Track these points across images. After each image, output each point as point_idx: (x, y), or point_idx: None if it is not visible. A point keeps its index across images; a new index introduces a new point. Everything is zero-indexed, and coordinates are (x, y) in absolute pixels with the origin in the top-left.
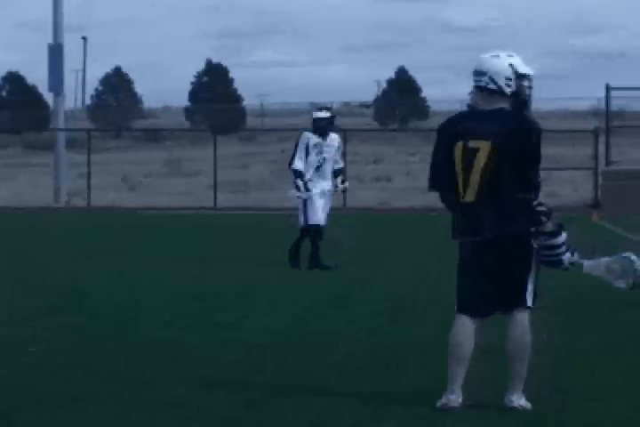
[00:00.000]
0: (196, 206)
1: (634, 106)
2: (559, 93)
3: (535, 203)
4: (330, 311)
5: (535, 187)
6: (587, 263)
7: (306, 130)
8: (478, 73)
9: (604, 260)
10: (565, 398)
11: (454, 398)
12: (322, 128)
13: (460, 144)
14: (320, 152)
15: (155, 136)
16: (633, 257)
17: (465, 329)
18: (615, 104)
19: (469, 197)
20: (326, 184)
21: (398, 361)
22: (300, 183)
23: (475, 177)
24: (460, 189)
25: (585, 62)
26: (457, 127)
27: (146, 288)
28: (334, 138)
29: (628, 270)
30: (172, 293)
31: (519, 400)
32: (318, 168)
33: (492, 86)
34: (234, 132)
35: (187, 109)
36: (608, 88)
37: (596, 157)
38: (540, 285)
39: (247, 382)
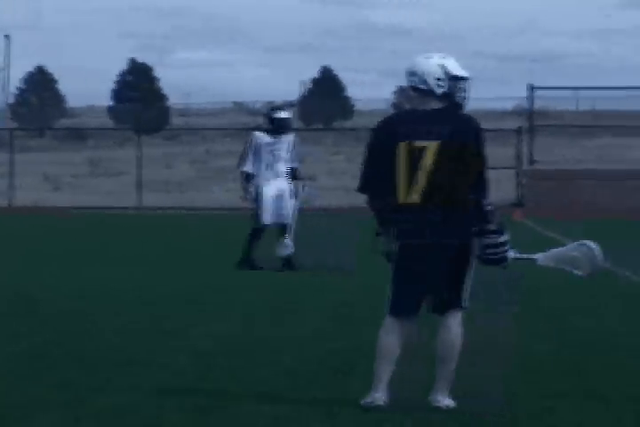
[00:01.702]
0: (120, 206)
1: (556, 106)
2: (482, 93)
3: (485, 203)
4: (279, 317)
5: (486, 187)
6: (541, 256)
7: (255, 130)
8: (410, 73)
9: (560, 250)
10: (514, 402)
11: (379, 396)
12: (283, 128)
13: (403, 144)
14: (272, 151)
15: (78, 135)
16: (591, 244)
17: (395, 330)
18: (538, 104)
19: (415, 198)
20: (280, 183)
21: (349, 367)
22: (248, 187)
23: (421, 178)
24: (403, 191)
25: (507, 63)
26: (399, 127)
27: (93, 294)
28: (288, 136)
29: (588, 257)
30: (120, 299)
31: (444, 400)
32: (271, 167)
33: (423, 87)
34: (158, 131)
35: (110, 109)
36: (531, 88)
37: (518, 156)
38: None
39: (196, 389)
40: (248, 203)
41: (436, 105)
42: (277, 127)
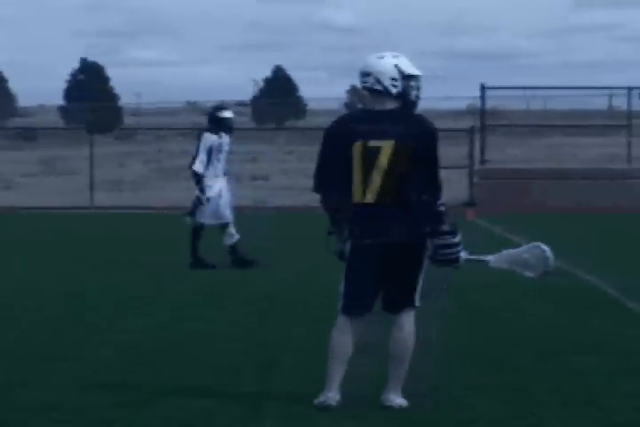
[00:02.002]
0: (72, 206)
1: (508, 105)
2: (434, 93)
3: (438, 203)
4: (204, 312)
5: (439, 188)
6: (493, 258)
7: (206, 130)
8: (364, 74)
9: (512, 252)
10: (439, 395)
11: (332, 395)
12: (230, 128)
13: (358, 144)
14: (220, 152)
15: (29, 135)
16: (543, 246)
17: (347, 329)
18: (490, 103)
19: (369, 197)
20: (222, 183)
21: (273, 361)
22: (203, 187)
23: (376, 177)
24: (358, 190)
25: (459, 62)
26: (353, 126)
27: (17, 289)
28: (228, 135)
29: (539, 259)
30: (44, 294)
31: (396, 399)
32: (216, 167)
33: (377, 87)
34: (110, 131)
35: (62, 108)
36: (483, 87)
37: (471, 155)
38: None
39: (120, 384)
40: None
41: (390, 105)
42: (225, 127)
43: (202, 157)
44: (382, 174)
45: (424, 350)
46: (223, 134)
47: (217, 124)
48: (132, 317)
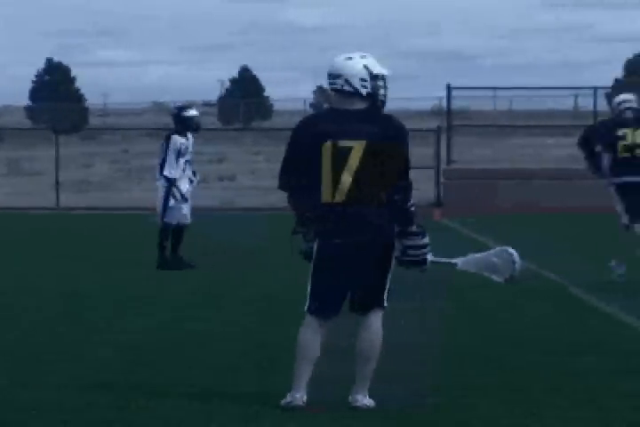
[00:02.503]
0: (38, 206)
1: (474, 105)
2: (400, 93)
3: (408, 204)
4: (203, 312)
5: (409, 188)
6: (461, 261)
7: (173, 132)
8: (333, 76)
9: (480, 255)
10: (438, 395)
11: (299, 396)
12: (197, 127)
13: (329, 143)
14: (185, 154)
15: None
16: (511, 250)
17: (313, 330)
18: (456, 104)
19: (339, 197)
20: (187, 184)
21: (271, 361)
22: (177, 193)
23: (346, 177)
24: (328, 190)
25: (425, 63)
26: (323, 126)
27: (15, 289)
28: (190, 137)
29: (507, 263)
30: (42, 294)
31: (364, 400)
32: (183, 168)
33: (348, 88)
34: (76, 131)
35: (28, 109)
36: (449, 88)
37: (437, 155)
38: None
39: (120, 384)
40: (160, 199)
41: (359, 105)
42: (191, 126)
43: (171, 161)
44: (353, 174)
45: (423, 350)
46: (189, 135)
47: (183, 123)
48: (131, 317)
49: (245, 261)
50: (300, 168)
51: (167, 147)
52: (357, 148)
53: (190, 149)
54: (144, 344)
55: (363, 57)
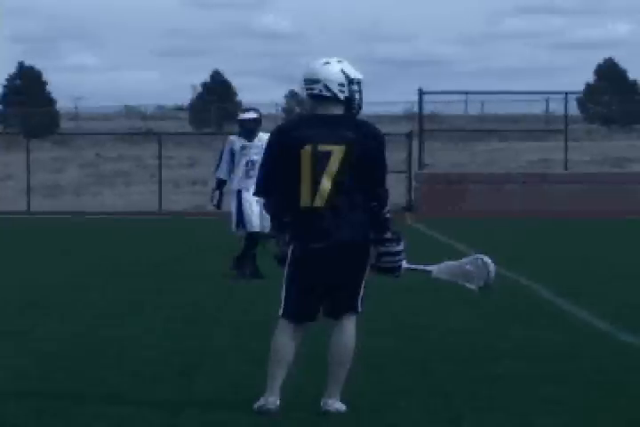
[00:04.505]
0: (8, 211)
1: (446, 110)
2: (372, 98)
3: (384, 210)
4: (123, 318)
5: (386, 193)
6: (436, 269)
7: (231, 134)
8: (311, 81)
9: (454, 263)
10: (357, 399)
11: (272, 400)
12: (249, 130)
13: (308, 148)
14: (247, 155)
15: None
16: (485, 258)
17: (288, 335)
18: (428, 108)
19: (318, 202)
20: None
21: (193, 367)
22: (215, 194)
23: (325, 182)
24: (306, 194)
25: (396, 68)
26: (302, 131)
27: None
28: (263, 138)
29: (481, 271)
30: None
31: (335, 404)
32: (248, 171)
33: (326, 93)
34: (47, 135)
35: None
36: (421, 92)
37: (409, 160)
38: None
39: (38, 391)
40: (214, 208)
41: (337, 110)
42: (243, 129)
43: (222, 161)
44: (332, 179)
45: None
46: (254, 137)
47: (239, 126)
48: (48, 324)
49: (170, 268)
50: (278, 174)
51: (223, 147)
52: (337, 152)
53: (253, 151)
54: (62, 351)
55: (339, 62)
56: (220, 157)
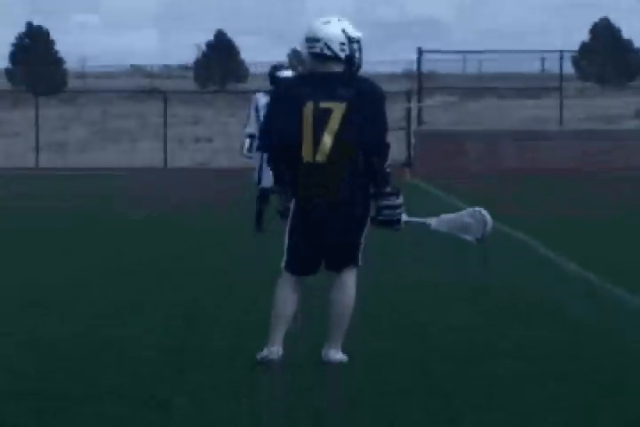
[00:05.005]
0: (18, 167)
1: (444, 68)
2: (372, 57)
3: (385, 165)
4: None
5: (387, 149)
6: (434, 221)
7: (259, 91)
8: (312, 40)
9: (452, 215)
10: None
11: (275, 350)
12: None
13: (309, 105)
14: None
15: None
16: (483, 211)
17: (290, 287)
18: (426, 67)
19: (319, 157)
20: None
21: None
22: (246, 141)
23: (326, 138)
24: (308, 150)
25: (396, 28)
26: (303, 89)
27: None
28: None
29: (479, 223)
30: None
31: (336, 355)
32: None
33: (327, 52)
34: (55, 93)
35: (7, 71)
36: (420, 51)
37: (408, 117)
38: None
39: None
40: (256, 160)
41: (337, 68)
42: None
43: (251, 118)
44: (333, 135)
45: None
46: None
47: (272, 83)
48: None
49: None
50: (280, 129)
51: (252, 104)
52: (337, 109)
53: None
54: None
55: (340, 20)
56: (249, 116)
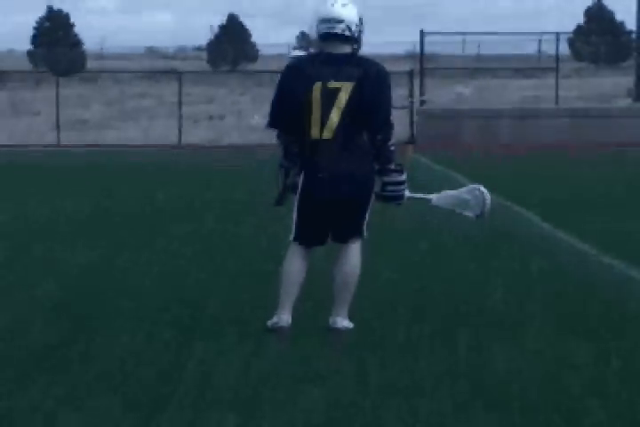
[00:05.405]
0: (40, 144)
1: (445, 50)
2: (376, 38)
3: (389, 143)
4: (142, 249)
5: (391, 127)
6: (435, 197)
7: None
8: (334, 21)
9: (454, 192)
10: (360, 325)
11: (285, 318)
12: None
13: (319, 84)
14: None
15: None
16: (482, 188)
17: (299, 257)
18: (428, 48)
19: (327, 134)
20: None
21: (207, 292)
22: None
23: (334, 116)
24: (316, 127)
25: (398, 11)
26: (313, 68)
27: None
28: None
29: (478, 200)
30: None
31: (342, 322)
32: None
33: (347, 33)
34: (74, 74)
35: (29, 53)
36: (422, 33)
37: (411, 96)
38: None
39: (63, 316)
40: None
41: (346, 49)
42: None
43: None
44: (340, 113)
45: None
46: None
47: None
48: (72, 251)
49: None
50: (289, 107)
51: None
52: (345, 89)
53: None
54: (79, 280)
55: (351, 1)
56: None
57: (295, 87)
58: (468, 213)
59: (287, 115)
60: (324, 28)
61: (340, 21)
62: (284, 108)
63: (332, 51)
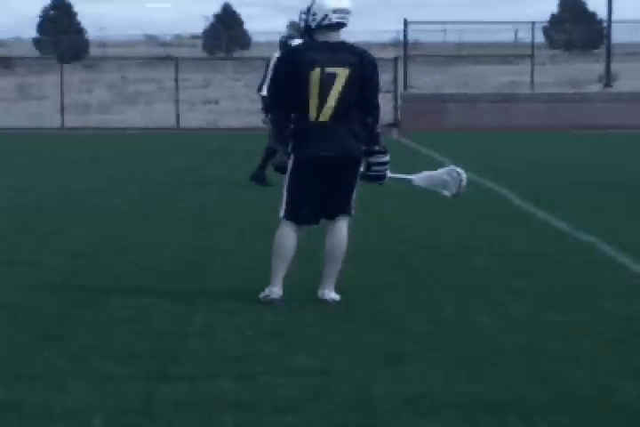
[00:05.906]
0: (45, 127)
1: (428, 38)
2: (363, 26)
3: (377, 126)
4: (143, 221)
5: (378, 111)
6: (416, 177)
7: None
8: (345, 11)
9: (433, 173)
10: (347, 292)
11: (276, 290)
12: None
13: (317, 70)
14: None
15: (7, 64)
16: (459, 169)
17: (289, 234)
18: (411, 36)
19: (324, 117)
20: None
21: (203, 264)
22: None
23: (330, 100)
24: (313, 110)
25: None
26: (311, 55)
27: None
28: None
29: (455, 181)
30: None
31: (330, 294)
32: None
33: (346, 22)
34: (78, 60)
35: (35, 40)
36: (406, 22)
37: (395, 82)
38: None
39: (71, 285)
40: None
41: (338, 37)
42: None
43: (266, 79)
44: (336, 97)
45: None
46: None
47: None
48: (77, 227)
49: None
50: (286, 92)
51: (267, 66)
52: (341, 74)
53: None
54: (90, 250)
55: None
56: (264, 77)
57: (294, 73)
58: (446, 193)
59: (286, 99)
60: (337, 18)
61: (349, 12)
62: (281, 92)
63: (329, 39)
